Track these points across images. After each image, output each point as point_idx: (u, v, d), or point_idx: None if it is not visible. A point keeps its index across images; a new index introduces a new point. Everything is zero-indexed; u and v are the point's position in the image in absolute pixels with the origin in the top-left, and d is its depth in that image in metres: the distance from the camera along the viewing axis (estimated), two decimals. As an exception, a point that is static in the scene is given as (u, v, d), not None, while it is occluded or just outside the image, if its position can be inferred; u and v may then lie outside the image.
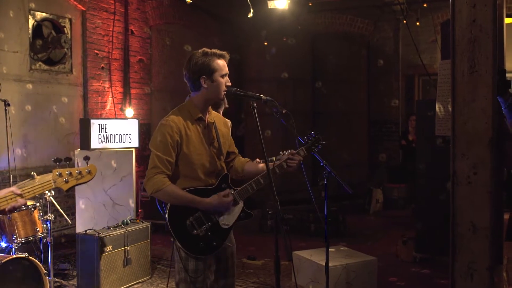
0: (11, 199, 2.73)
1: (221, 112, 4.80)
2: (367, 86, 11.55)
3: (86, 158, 3.03)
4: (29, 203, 4.99)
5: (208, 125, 3.40)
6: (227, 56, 3.38)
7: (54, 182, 2.82)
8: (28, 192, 2.79)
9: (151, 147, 3.23)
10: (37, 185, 2.80)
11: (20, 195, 2.76)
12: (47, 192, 2.89)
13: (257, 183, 3.42)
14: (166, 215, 3.20)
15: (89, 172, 2.91)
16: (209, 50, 3.31)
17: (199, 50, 3.32)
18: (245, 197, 3.43)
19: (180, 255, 3.25)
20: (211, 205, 3.27)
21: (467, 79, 3.18)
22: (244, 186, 3.42)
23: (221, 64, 3.31)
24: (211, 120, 3.45)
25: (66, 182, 2.84)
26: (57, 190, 3.16)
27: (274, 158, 4.17)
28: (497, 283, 3.35)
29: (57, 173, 2.84)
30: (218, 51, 3.33)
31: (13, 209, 2.78)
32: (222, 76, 3.32)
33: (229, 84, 3.38)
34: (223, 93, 3.35)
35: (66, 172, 2.84)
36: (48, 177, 2.83)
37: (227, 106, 4.75)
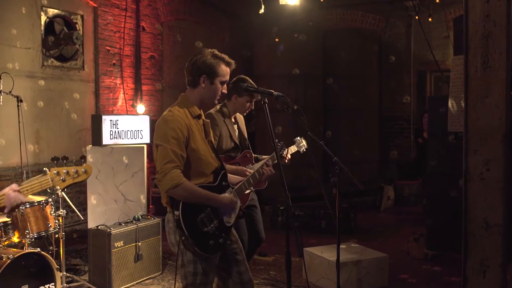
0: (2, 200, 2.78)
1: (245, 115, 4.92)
2: (379, 83, 11.51)
3: (83, 157, 3.08)
4: (41, 198, 5.03)
5: (204, 123, 3.39)
6: (233, 66, 3.38)
7: (52, 181, 2.89)
8: (27, 189, 2.83)
9: (161, 142, 3.13)
10: (35, 183, 2.86)
11: (18, 191, 2.80)
12: (58, 187, 2.92)
13: (248, 182, 3.49)
14: (179, 212, 3.11)
15: (85, 172, 2.97)
16: (219, 53, 3.31)
17: (210, 50, 3.31)
18: (241, 196, 3.46)
19: (187, 258, 3.19)
20: (223, 203, 3.26)
21: (480, 74, 3.16)
22: (239, 185, 3.45)
23: (225, 71, 3.31)
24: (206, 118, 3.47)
25: (63, 180, 2.90)
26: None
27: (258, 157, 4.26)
28: (510, 281, 3.33)
29: (54, 171, 2.90)
30: (227, 58, 3.32)
31: (13, 208, 2.82)
32: (222, 83, 3.32)
33: (225, 92, 3.39)
34: (217, 99, 3.37)
35: (64, 171, 2.91)
36: (46, 175, 2.89)
37: (252, 108, 4.87)
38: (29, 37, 7.07)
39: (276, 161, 3.59)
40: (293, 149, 4.89)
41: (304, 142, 4.89)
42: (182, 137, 3.15)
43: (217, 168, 3.35)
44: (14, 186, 2.81)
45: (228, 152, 4.71)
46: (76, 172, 2.93)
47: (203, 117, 3.41)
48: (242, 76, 4.58)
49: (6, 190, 2.81)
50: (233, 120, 4.85)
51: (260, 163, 3.81)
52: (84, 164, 3.00)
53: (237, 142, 4.78)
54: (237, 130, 4.86)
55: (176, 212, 3.13)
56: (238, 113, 4.92)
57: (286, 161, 4.67)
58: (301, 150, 4.91)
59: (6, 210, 2.81)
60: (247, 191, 4.01)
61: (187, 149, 3.18)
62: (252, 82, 4.40)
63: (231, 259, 3.43)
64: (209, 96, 3.33)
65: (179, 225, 3.10)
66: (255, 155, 4.93)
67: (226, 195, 3.31)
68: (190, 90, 3.36)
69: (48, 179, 2.87)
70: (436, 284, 5.73)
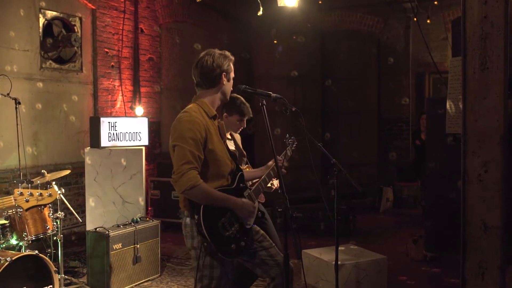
0: None
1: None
2: (377, 84, 11.52)
3: (48, 183, 3.17)
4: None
5: (219, 124, 3.40)
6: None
7: (15, 200, 2.96)
8: None
9: (178, 142, 3.10)
10: None
11: None
12: (57, 189, 2.97)
13: (264, 181, 3.57)
14: (200, 218, 3.06)
15: (50, 195, 3.06)
16: (222, 51, 3.37)
17: (214, 49, 3.36)
18: (258, 196, 3.48)
19: (204, 262, 3.17)
20: (240, 206, 3.24)
21: (478, 76, 3.16)
22: (256, 185, 3.47)
23: (233, 67, 3.41)
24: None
25: (27, 201, 2.99)
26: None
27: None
28: (508, 283, 3.33)
29: (18, 192, 2.98)
30: (231, 55, 3.40)
31: None
32: (232, 79, 3.42)
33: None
34: (229, 95, 3.47)
35: (27, 193, 2.99)
36: (10, 196, 2.98)
37: (244, 126, 4.85)
38: (27, 39, 7.06)
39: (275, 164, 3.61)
40: (289, 152, 4.80)
41: (294, 140, 4.78)
42: (200, 138, 3.12)
43: (233, 169, 3.35)
44: None
45: None
46: (41, 194, 3.02)
47: (218, 118, 3.42)
48: (234, 94, 4.56)
49: None
50: (229, 136, 4.79)
51: (271, 161, 3.81)
52: (50, 189, 3.06)
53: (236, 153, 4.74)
54: (233, 146, 4.82)
55: (196, 216, 3.09)
56: (233, 132, 4.87)
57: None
58: (293, 147, 4.81)
59: None
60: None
61: (204, 151, 3.16)
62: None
63: (260, 249, 3.41)
64: (228, 91, 3.41)
65: (201, 231, 3.08)
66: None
67: (246, 200, 3.29)
68: (204, 91, 3.36)
69: (11, 198, 2.94)
70: (435, 286, 5.73)
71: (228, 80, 3.37)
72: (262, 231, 3.51)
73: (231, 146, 4.77)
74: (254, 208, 3.30)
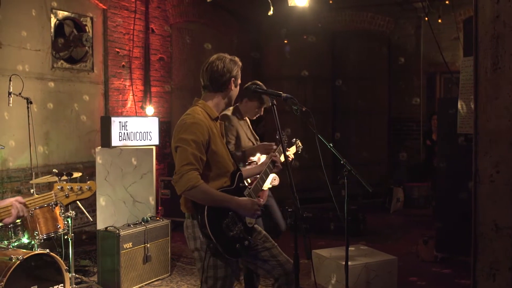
0: (7, 212, 2.79)
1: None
2: (388, 84, 11.47)
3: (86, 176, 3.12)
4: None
5: (221, 125, 3.41)
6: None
7: (55, 196, 2.91)
8: (30, 204, 2.88)
9: (180, 144, 3.12)
10: (39, 198, 2.90)
11: (24, 204, 2.84)
12: (61, 203, 2.96)
13: (262, 179, 3.60)
14: (205, 218, 3.07)
15: (89, 189, 3.00)
16: (232, 57, 3.39)
17: (225, 54, 3.38)
18: (257, 194, 3.50)
19: (208, 263, 3.17)
20: (241, 205, 3.24)
21: (490, 76, 3.14)
22: (254, 184, 3.49)
23: (240, 74, 3.44)
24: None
25: (67, 196, 2.93)
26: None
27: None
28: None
29: (58, 187, 2.92)
30: (239, 61, 3.42)
31: (16, 219, 2.88)
32: (238, 85, 3.47)
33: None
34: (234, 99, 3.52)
35: (68, 187, 2.93)
36: (50, 191, 2.92)
37: (261, 113, 4.99)
38: (39, 39, 7.10)
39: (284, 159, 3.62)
40: (293, 149, 4.88)
41: (299, 143, 4.84)
42: (203, 140, 3.14)
43: (234, 170, 3.37)
44: (19, 198, 2.85)
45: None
46: (80, 189, 2.96)
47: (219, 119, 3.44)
48: (256, 81, 4.60)
49: (12, 200, 2.83)
50: (247, 119, 4.99)
51: (267, 158, 3.83)
52: (89, 182, 3.02)
53: (254, 142, 4.87)
54: (249, 131, 4.96)
55: (200, 217, 3.10)
56: (246, 117, 4.98)
57: (290, 159, 4.66)
58: (299, 151, 4.90)
59: (10, 220, 2.83)
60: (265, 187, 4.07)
61: (207, 152, 3.18)
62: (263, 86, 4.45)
63: (262, 249, 3.44)
64: (233, 97, 3.45)
65: (205, 232, 3.09)
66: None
67: (246, 199, 3.30)
68: (211, 94, 3.37)
69: (51, 194, 2.90)
70: (446, 287, 5.70)
71: (236, 86, 3.41)
72: (264, 232, 3.53)
73: (248, 131, 4.94)
74: (255, 205, 3.30)
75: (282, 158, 3.81)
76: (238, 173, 3.38)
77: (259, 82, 4.67)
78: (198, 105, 3.33)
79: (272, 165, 3.70)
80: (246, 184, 3.46)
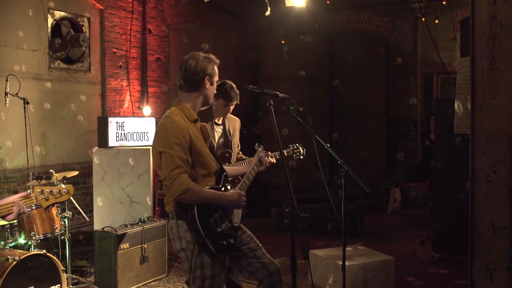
0: (8, 209, 2.87)
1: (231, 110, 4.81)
2: (385, 85, 11.48)
3: (64, 179, 3.17)
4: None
5: (201, 126, 3.39)
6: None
7: (36, 199, 2.97)
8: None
9: (164, 148, 3.10)
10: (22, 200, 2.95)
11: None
12: (41, 205, 3.03)
13: (248, 178, 3.60)
14: (195, 212, 3.09)
15: (68, 192, 3.07)
16: (207, 55, 3.34)
17: (199, 53, 3.34)
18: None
19: (196, 263, 3.18)
20: (232, 200, 3.27)
21: (487, 76, 3.14)
22: (240, 184, 3.49)
23: (217, 71, 3.38)
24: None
25: (46, 199, 2.99)
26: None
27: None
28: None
29: (38, 190, 2.98)
30: (215, 58, 3.37)
31: (13, 218, 2.94)
32: (216, 83, 3.40)
33: (215, 92, 3.46)
34: (212, 99, 3.45)
35: (47, 190, 2.99)
36: (31, 194, 2.99)
37: (230, 112, 4.79)
38: (35, 39, 7.09)
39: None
40: (285, 152, 4.70)
41: (301, 150, 4.67)
42: (185, 143, 3.13)
43: (217, 170, 3.36)
44: (23, 194, 2.95)
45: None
46: (59, 192, 3.02)
47: (199, 121, 3.42)
48: (225, 80, 4.54)
49: (16, 197, 2.90)
50: (219, 122, 4.81)
51: (254, 157, 3.83)
52: (67, 185, 3.07)
53: (214, 143, 4.71)
54: (221, 132, 4.82)
55: (189, 213, 3.11)
56: (232, 116, 4.87)
57: (268, 164, 4.45)
58: (294, 157, 4.73)
59: (12, 217, 2.88)
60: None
61: (191, 154, 3.17)
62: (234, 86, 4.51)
63: (246, 251, 3.46)
64: (210, 95, 3.38)
65: (195, 226, 3.10)
66: (241, 156, 4.90)
67: (233, 191, 3.32)
68: (186, 94, 3.33)
69: (32, 197, 2.95)
70: (443, 287, 5.70)
71: (212, 84, 3.34)
72: (249, 231, 3.55)
73: (218, 134, 4.79)
74: (242, 196, 3.32)
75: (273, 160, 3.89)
76: (224, 174, 3.38)
77: (229, 82, 4.62)
78: (177, 106, 3.30)
79: (259, 163, 3.74)
80: (231, 185, 3.45)
